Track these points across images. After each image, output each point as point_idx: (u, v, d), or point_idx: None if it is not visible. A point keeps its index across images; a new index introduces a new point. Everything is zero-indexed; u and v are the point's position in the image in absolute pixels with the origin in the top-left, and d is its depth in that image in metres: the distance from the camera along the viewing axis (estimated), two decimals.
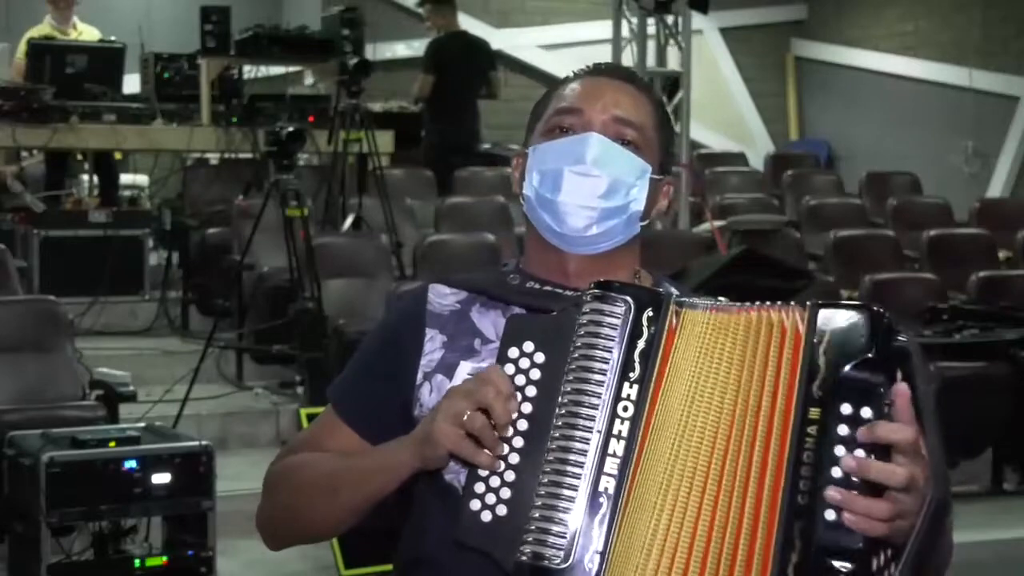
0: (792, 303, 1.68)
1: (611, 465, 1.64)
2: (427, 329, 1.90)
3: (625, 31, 9.48)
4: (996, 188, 12.48)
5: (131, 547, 5.05)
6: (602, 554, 1.62)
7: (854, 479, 1.57)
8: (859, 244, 8.75)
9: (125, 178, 10.02)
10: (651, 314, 1.68)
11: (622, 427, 1.65)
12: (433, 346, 1.89)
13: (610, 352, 1.66)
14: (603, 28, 10.62)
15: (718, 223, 8.86)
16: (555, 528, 1.62)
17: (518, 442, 1.68)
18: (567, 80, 1.97)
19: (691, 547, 1.62)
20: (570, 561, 1.62)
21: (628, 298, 1.68)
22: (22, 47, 9.16)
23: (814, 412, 1.60)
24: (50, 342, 5.84)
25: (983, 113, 12.67)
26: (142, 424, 5.43)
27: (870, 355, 1.60)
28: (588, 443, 1.64)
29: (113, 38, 9.44)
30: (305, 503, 1.89)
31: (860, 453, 1.58)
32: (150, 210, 9.18)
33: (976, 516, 6.47)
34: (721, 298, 1.75)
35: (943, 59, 13.04)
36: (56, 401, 5.63)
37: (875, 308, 1.62)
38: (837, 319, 1.63)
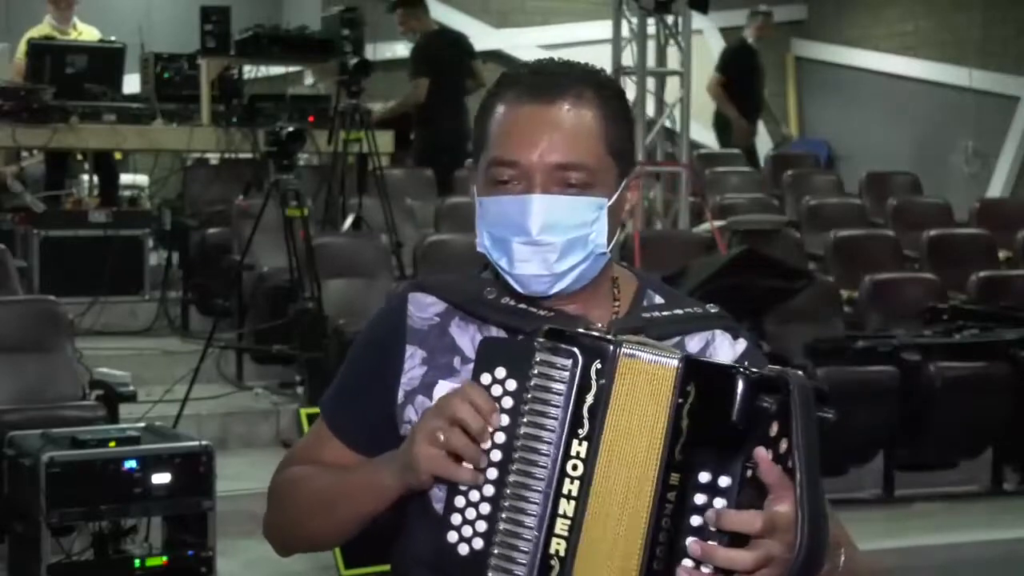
0: (682, 358, 1.64)
1: (562, 527, 1.63)
2: (407, 346, 1.88)
3: (625, 31, 9.47)
4: (996, 188, 12.48)
5: (131, 547, 5.04)
6: None
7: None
8: (859, 244, 8.75)
9: (125, 178, 10.01)
10: (599, 366, 1.64)
11: (572, 487, 1.63)
12: (413, 363, 1.88)
13: (559, 407, 1.64)
14: (603, 28, 10.61)
15: (718, 223, 8.86)
16: None
17: (492, 473, 1.67)
18: (497, 97, 1.82)
19: None
20: None
21: (576, 350, 1.64)
22: (22, 47, 9.16)
23: (674, 477, 1.59)
24: (50, 342, 5.83)
25: (983, 113, 12.66)
26: (142, 424, 5.42)
27: (734, 419, 1.57)
28: (539, 504, 1.64)
29: (113, 38, 9.44)
30: (306, 516, 1.92)
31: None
32: (150, 210, 9.17)
33: (976, 516, 6.48)
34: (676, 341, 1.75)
35: (943, 59, 13.04)
36: (56, 401, 5.63)
37: (743, 369, 1.59)
38: (704, 380, 1.60)
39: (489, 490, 1.67)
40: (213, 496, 5.04)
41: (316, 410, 4.26)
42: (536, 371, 1.65)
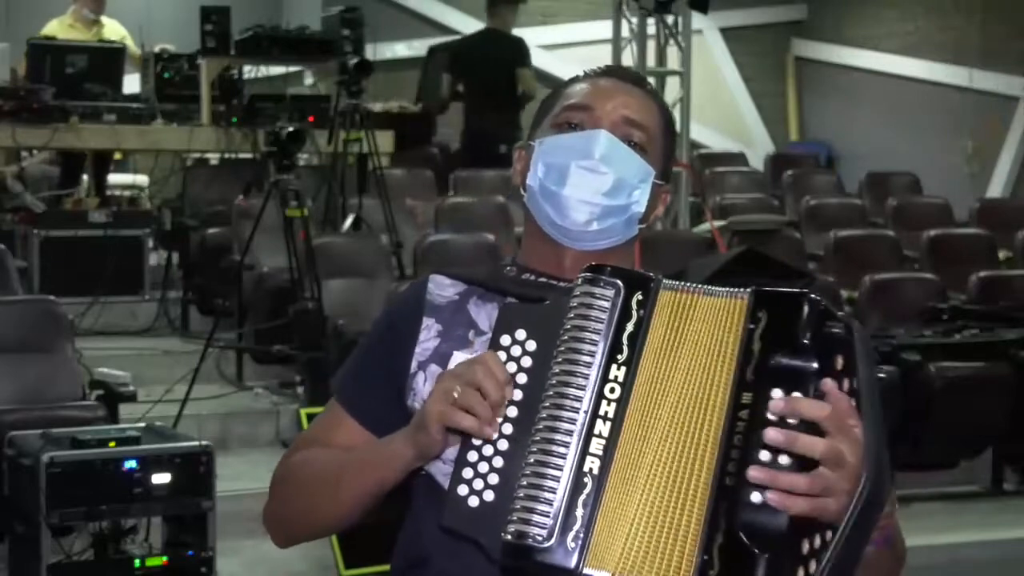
0: (745, 289, 1.68)
1: (597, 446, 1.64)
2: (424, 318, 1.92)
3: (625, 31, 9.47)
4: (996, 188, 12.47)
5: (131, 547, 5.04)
6: (585, 533, 1.62)
7: (780, 460, 1.57)
8: (859, 244, 8.75)
9: (125, 178, 10.02)
10: (640, 297, 1.69)
11: (609, 408, 1.66)
12: (428, 335, 1.91)
13: (599, 334, 1.67)
14: (603, 28, 10.62)
15: (718, 223, 8.86)
16: (540, 507, 1.62)
17: (507, 428, 1.68)
18: (577, 79, 1.99)
19: (661, 529, 1.63)
20: (552, 540, 1.62)
21: (618, 281, 1.69)
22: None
23: (746, 396, 1.61)
24: (50, 342, 5.82)
25: (983, 113, 12.66)
26: (142, 424, 5.42)
27: (804, 341, 1.60)
28: (574, 423, 1.65)
29: (113, 38, 9.44)
30: (309, 496, 1.91)
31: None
32: (150, 210, 9.18)
33: (976, 516, 6.48)
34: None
35: (943, 59, 13.04)
36: (56, 401, 5.62)
37: (811, 295, 1.63)
38: (774, 305, 1.64)
39: (503, 444, 1.68)
40: (213, 496, 5.03)
41: (316, 410, 4.25)
42: (575, 303, 1.68)
